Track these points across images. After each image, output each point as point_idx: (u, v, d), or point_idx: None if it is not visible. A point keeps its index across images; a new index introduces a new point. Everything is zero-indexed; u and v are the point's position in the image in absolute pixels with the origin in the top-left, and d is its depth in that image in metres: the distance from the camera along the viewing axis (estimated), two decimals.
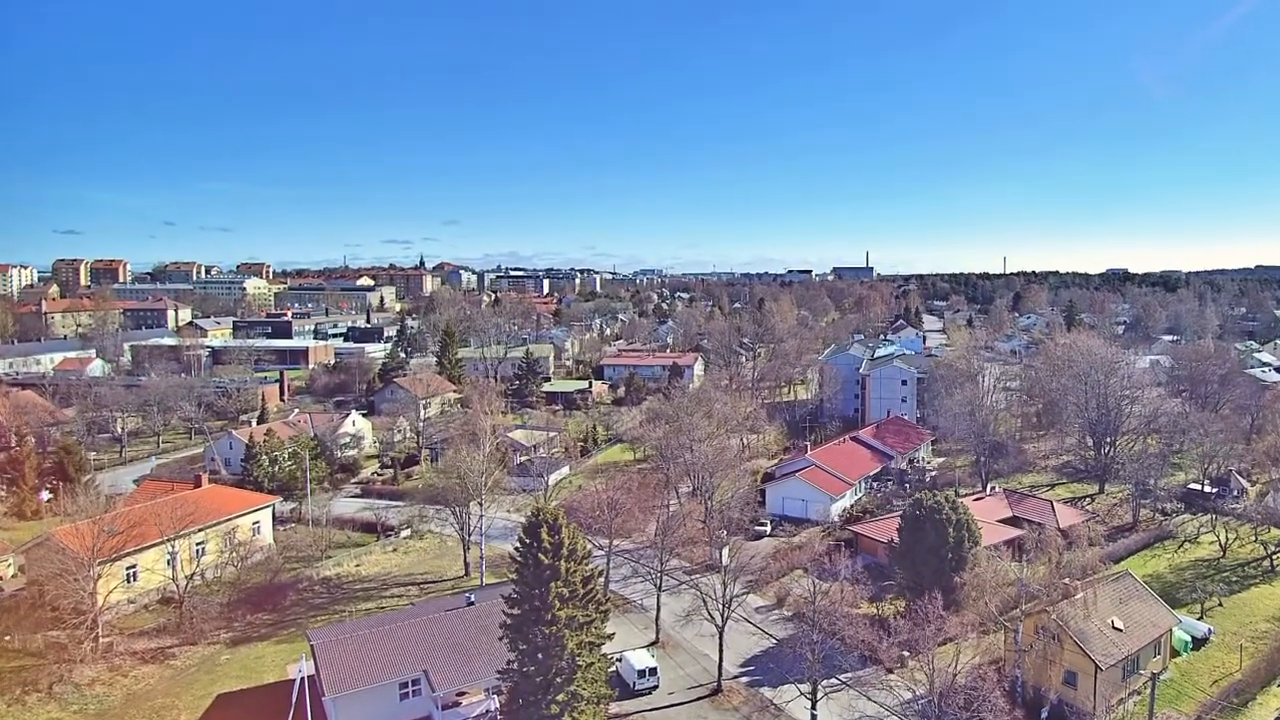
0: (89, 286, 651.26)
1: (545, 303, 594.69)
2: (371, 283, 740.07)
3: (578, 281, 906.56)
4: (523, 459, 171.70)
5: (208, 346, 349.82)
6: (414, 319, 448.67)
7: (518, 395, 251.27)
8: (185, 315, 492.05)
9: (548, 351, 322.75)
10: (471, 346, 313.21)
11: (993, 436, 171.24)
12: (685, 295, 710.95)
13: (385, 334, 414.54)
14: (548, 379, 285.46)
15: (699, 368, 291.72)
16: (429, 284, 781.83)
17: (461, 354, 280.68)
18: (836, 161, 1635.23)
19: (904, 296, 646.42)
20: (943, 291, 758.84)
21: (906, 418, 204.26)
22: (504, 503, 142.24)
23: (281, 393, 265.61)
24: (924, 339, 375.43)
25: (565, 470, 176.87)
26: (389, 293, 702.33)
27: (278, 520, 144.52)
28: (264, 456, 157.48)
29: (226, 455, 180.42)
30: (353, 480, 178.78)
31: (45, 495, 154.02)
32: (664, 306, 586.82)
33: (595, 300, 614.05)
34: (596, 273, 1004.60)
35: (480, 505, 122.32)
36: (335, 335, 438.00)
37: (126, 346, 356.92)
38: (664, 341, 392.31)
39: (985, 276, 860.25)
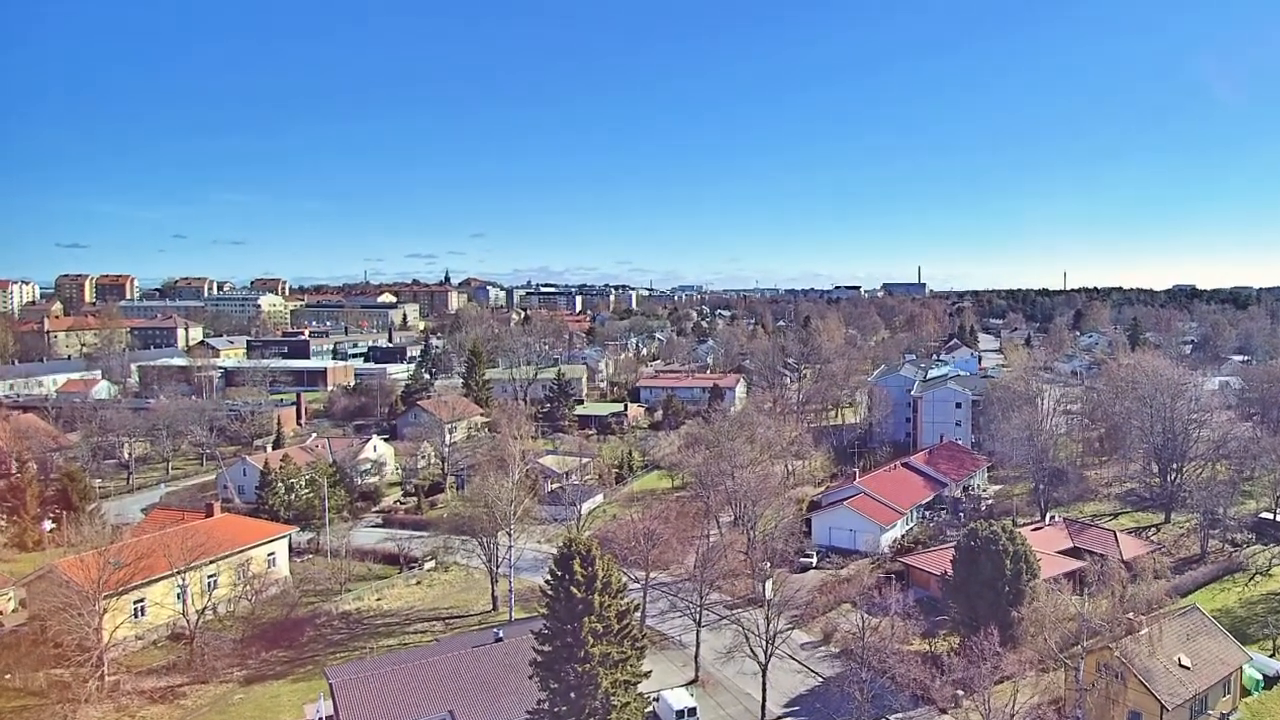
0: (94, 303, 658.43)
1: (578, 321, 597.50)
2: (394, 300, 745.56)
3: (612, 298, 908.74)
4: (554, 486, 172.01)
5: (220, 367, 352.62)
6: (439, 338, 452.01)
7: (549, 419, 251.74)
8: (196, 334, 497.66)
9: (580, 373, 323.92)
10: (500, 367, 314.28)
11: (1052, 463, 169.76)
12: (726, 313, 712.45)
13: (408, 354, 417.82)
14: (580, 401, 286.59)
15: (741, 390, 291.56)
16: (455, 301, 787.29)
17: (489, 375, 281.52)
18: (886, 171, 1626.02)
19: (958, 314, 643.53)
20: (999, 309, 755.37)
21: (961, 443, 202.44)
22: (534, 533, 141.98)
23: (298, 416, 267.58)
24: (979, 359, 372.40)
25: (599, 498, 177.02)
26: (412, 310, 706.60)
27: (294, 551, 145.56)
28: (280, 484, 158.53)
29: (240, 482, 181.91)
30: (374, 509, 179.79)
31: (48, 525, 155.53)
32: (704, 325, 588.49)
33: (631, 318, 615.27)
34: (632, 289, 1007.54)
35: (509, 535, 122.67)
36: (355, 355, 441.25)
37: (134, 367, 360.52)
38: (704, 362, 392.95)
39: (1044, 293, 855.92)
